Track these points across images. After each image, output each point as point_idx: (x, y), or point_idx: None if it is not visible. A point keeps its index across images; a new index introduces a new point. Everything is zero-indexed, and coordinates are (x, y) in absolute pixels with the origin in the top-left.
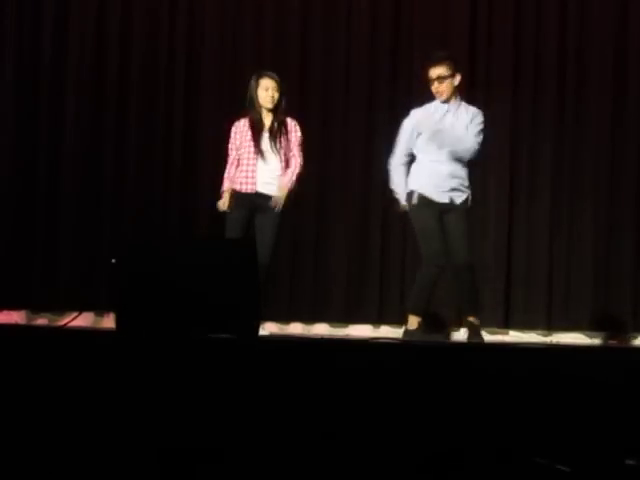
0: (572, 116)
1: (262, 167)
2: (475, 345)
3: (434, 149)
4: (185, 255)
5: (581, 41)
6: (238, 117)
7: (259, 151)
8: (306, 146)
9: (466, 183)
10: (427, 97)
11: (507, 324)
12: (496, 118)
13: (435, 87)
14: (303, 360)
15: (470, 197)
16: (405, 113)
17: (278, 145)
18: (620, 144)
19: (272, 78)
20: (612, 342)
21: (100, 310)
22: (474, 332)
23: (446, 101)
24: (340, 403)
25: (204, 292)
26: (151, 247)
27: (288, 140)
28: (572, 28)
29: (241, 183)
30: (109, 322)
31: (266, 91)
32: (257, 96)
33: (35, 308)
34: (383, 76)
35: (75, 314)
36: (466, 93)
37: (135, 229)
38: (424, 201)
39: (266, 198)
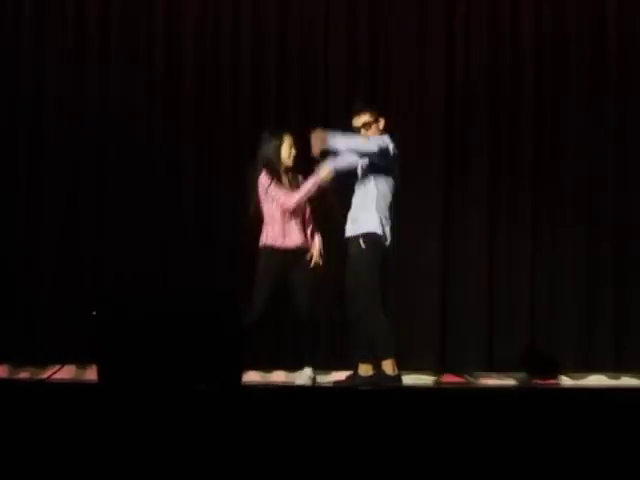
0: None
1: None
2: (461, 389)
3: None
4: (167, 306)
5: (557, 89)
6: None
7: None
8: None
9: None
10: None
11: (490, 367)
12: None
13: (363, 135)
14: (286, 408)
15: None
16: None
17: None
18: (600, 174)
19: (291, 135)
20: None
21: (82, 362)
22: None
23: None
24: (325, 450)
25: (186, 343)
26: (132, 299)
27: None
28: (548, 74)
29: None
30: (92, 374)
31: (290, 148)
32: (280, 153)
33: (17, 361)
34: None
35: (57, 367)
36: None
37: (118, 280)
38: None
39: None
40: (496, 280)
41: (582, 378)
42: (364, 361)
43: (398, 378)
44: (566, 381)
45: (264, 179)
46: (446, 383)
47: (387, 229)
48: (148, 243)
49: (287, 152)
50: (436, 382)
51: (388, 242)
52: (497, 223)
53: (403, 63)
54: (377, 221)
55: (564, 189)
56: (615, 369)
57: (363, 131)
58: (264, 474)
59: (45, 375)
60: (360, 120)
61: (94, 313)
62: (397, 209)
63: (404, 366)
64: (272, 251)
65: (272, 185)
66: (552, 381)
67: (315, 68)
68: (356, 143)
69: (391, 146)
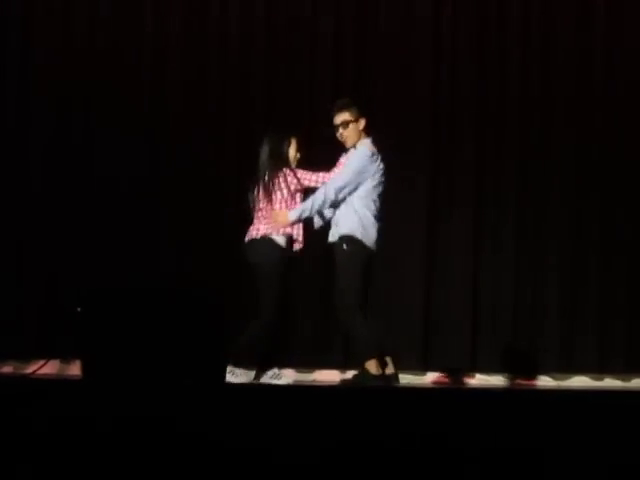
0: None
1: None
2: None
3: None
4: (151, 303)
5: (543, 121)
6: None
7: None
8: None
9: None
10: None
11: (474, 368)
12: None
13: (340, 134)
14: (269, 406)
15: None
16: None
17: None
18: (586, 177)
19: (297, 137)
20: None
21: (66, 358)
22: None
23: (353, 147)
24: (307, 448)
25: (170, 339)
26: (117, 295)
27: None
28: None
29: None
30: (75, 370)
31: (296, 151)
32: (288, 154)
33: (0, 356)
34: None
35: (41, 362)
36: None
37: (102, 277)
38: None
39: None
40: (480, 280)
41: (565, 379)
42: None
43: (385, 377)
44: (549, 382)
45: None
46: (430, 383)
47: (371, 231)
48: (133, 240)
49: (295, 154)
50: (419, 382)
51: (371, 243)
52: (482, 223)
53: (389, 66)
54: (357, 223)
55: (550, 189)
56: (598, 371)
57: (341, 129)
58: (248, 472)
59: (29, 370)
60: (340, 118)
61: (78, 309)
62: (382, 209)
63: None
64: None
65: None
66: (535, 382)
67: (301, 69)
68: (319, 201)
69: (369, 154)
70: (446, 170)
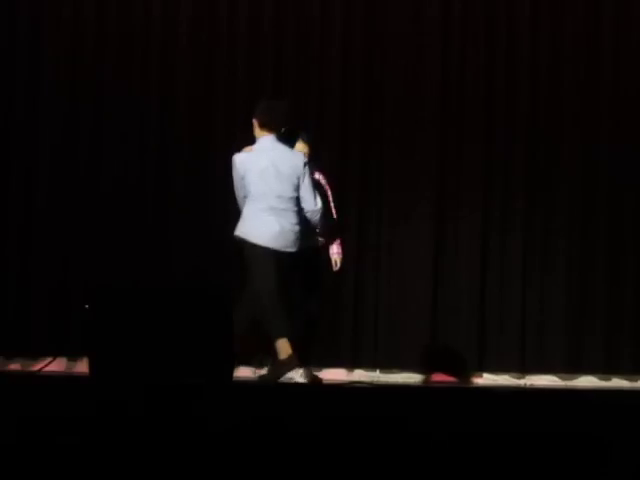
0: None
1: None
2: (452, 389)
3: None
4: (159, 301)
5: (552, 120)
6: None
7: None
8: None
9: None
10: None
11: (481, 367)
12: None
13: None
14: (277, 405)
15: None
16: None
17: None
18: (592, 179)
19: (305, 142)
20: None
21: (73, 355)
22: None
23: None
24: (315, 448)
25: (177, 338)
26: (124, 292)
27: None
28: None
29: None
30: (82, 367)
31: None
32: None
33: (8, 353)
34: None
35: (49, 359)
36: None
37: (110, 274)
38: None
39: None
40: (488, 279)
41: (572, 379)
42: None
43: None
44: (556, 382)
45: None
46: (436, 382)
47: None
48: (140, 237)
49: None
50: (426, 381)
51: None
52: (489, 221)
53: (398, 62)
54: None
55: (558, 189)
56: (606, 370)
57: None
58: (253, 471)
59: (36, 367)
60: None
61: (86, 306)
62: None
63: (396, 365)
64: None
65: None
66: (540, 382)
67: (310, 67)
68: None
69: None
70: (454, 170)
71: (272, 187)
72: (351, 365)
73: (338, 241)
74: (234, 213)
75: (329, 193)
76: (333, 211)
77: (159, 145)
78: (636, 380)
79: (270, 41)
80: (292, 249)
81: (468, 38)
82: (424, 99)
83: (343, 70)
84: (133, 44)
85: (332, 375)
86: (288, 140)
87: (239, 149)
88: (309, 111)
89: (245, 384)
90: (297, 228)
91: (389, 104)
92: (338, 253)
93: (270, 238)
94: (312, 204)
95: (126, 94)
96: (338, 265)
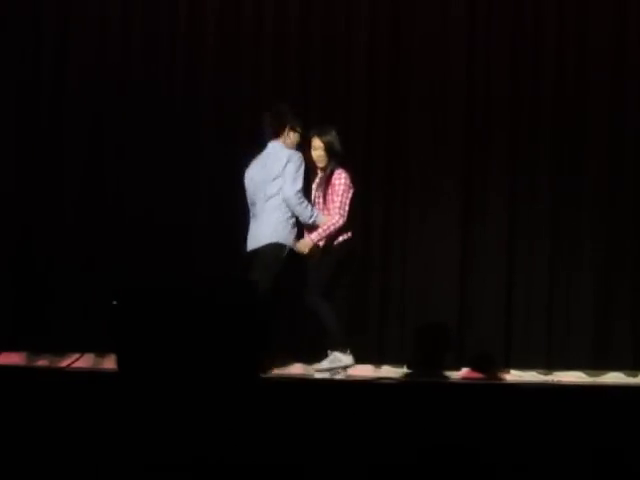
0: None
1: None
2: (476, 384)
3: None
4: (186, 298)
5: (578, 121)
6: None
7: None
8: None
9: None
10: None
11: (508, 363)
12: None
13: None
14: (304, 400)
15: None
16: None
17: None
18: (618, 179)
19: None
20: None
21: (101, 351)
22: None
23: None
24: (341, 443)
25: (205, 334)
26: (152, 289)
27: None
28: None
29: None
30: (110, 363)
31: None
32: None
33: (35, 349)
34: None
35: (75, 355)
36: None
37: (137, 271)
38: None
39: None
40: (515, 277)
41: (599, 375)
42: None
43: None
44: (583, 378)
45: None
46: (463, 379)
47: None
48: (167, 231)
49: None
50: (455, 377)
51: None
52: (516, 219)
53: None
54: None
55: (585, 188)
56: (633, 367)
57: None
58: (279, 463)
59: (64, 363)
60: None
61: (114, 302)
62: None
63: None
64: None
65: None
66: (567, 378)
67: (336, 62)
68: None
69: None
70: (480, 169)
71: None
72: (378, 361)
73: (325, 232)
74: None
75: (340, 190)
76: (337, 208)
77: (183, 143)
78: None
79: (295, 42)
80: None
81: (493, 37)
82: (450, 99)
83: (368, 71)
84: (158, 45)
85: (359, 371)
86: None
87: (263, 147)
88: (335, 111)
89: (271, 380)
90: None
91: (415, 104)
92: (310, 239)
93: None
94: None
95: (152, 94)
96: (302, 249)
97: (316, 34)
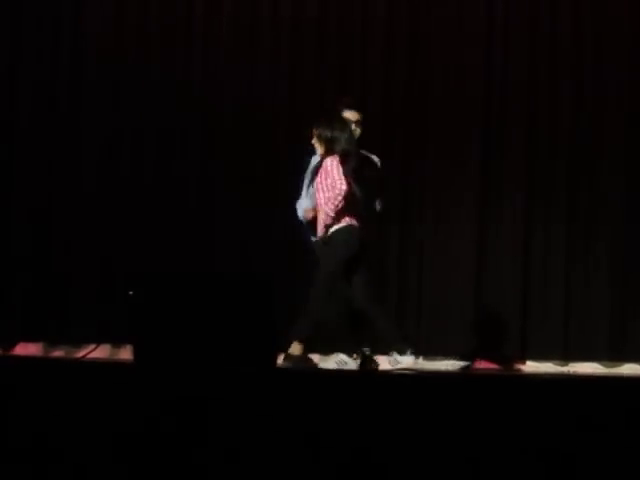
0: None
1: None
2: (493, 376)
3: None
4: (202, 288)
5: (595, 124)
6: None
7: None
8: None
9: None
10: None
11: (524, 354)
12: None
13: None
14: (319, 391)
15: None
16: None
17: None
18: (635, 169)
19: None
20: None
21: (117, 342)
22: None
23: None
24: (356, 434)
25: (221, 324)
26: (168, 279)
27: None
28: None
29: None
30: (126, 354)
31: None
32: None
33: (52, 340)
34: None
35: (91, 346)
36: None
37: (153, 261)
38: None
39: None
40: (531, 267)
41: (616, 367)
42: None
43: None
44: (600, 369)
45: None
46: (479, 369)
47: None
48: (185, 223)
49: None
50: (469, 368)
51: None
52: (533, 210)
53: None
54: None
55: (601, 177)
56: None
57: (354, 126)
58: (294, 454)
59: (80, 354)
60: (355, 115)
61: (130, 292)
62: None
63: (439, 352)
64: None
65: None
66: (584, 369)
67: (352, 58)
68: None
69: None
70: (497, 168)
71: None
72: None
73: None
74: (281, 200)
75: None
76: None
77: (202, 134)
78: None
79: (313, 44)
80: None
81: (511, 40)
82: (467, 99)
83: (385, 71)
84: (175, 41)
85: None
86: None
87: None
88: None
89: (285, 371)
90: None
91: (432, 104)
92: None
93: None
94: None
95: (169, 86)
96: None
97: (332, 29)
